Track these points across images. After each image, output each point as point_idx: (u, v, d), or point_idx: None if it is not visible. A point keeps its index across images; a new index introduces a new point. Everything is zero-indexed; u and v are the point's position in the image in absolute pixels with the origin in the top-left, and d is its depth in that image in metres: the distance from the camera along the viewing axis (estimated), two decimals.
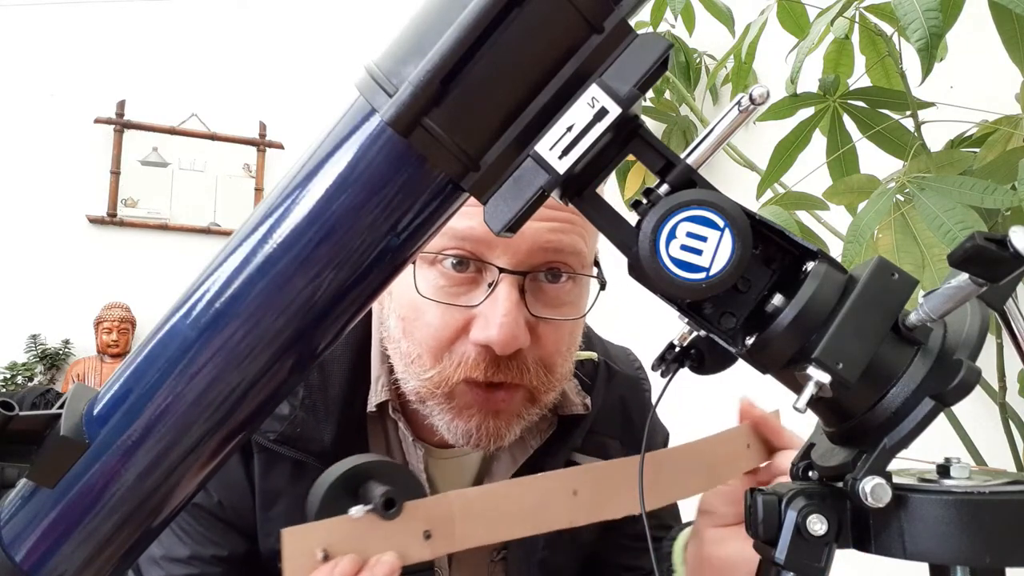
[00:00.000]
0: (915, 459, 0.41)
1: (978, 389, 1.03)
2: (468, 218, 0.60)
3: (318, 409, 0.70)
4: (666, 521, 0.83)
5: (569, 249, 0.64)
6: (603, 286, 0.69)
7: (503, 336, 0.61)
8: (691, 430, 0.87)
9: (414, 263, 0.63)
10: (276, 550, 0.71)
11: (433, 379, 0.65)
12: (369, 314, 0.76)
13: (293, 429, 0.69)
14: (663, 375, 0.47)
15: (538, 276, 0.64)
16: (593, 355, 0.81)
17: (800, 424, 0.47)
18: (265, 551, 0.73)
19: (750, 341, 0.39)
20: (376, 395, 0.72)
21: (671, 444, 0.90)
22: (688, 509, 0.66)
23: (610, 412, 0.80)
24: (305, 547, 0.48)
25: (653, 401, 0.86)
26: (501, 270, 0.62)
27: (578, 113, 0.36)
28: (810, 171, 1.37)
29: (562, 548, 0.78)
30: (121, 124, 3.26)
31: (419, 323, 0.65)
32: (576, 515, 0.56)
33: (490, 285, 0.63)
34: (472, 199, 0.39)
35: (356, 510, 0.49)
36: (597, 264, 0.70)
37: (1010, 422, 1.40)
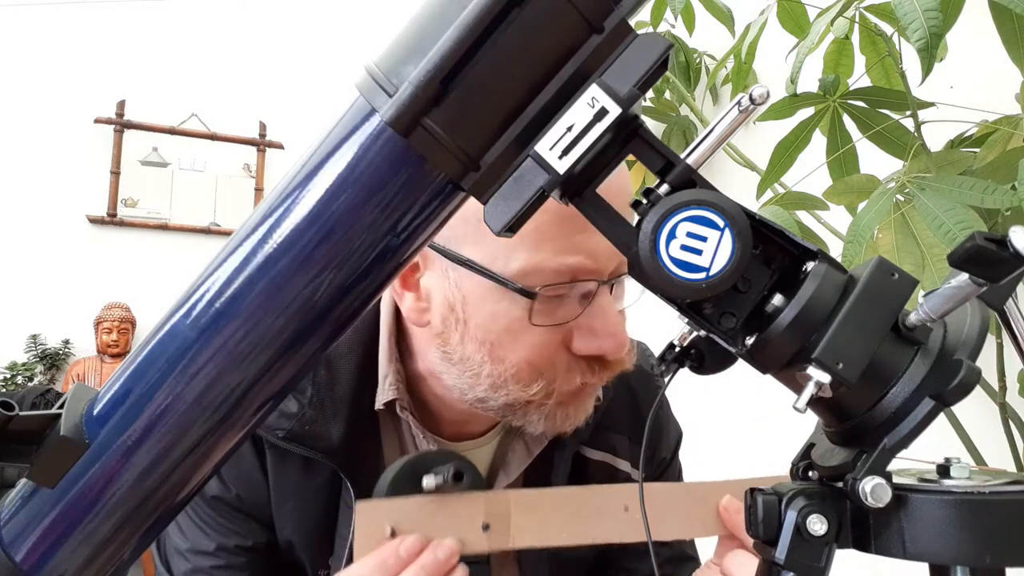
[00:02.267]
0: (915, 459, 0.41)
1: (978, 389, 1.03)
2: (577, 253, 0.60)
3: (326, 407, 0.71)
4: (685, 552, 0.83)
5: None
6: None
7: (616, 343, 0.63)
8: (699, 426, 0.87)
9: (531, 296, 0.62)
10: (291, 540, 0.73)
11: (539, 393, 0.65)
12: (377, 313, 0.76)
13: (302, 427, 0.70)
14: (663, 375, 0.47)
15: (619, 279, 0.65)
16: None
17: (800, 424, 0.47)
18: (282, 542, 0.74)
19: (750, 341, 0.39)
20: (383, 393, 0.72)
21: (682, 443, 0.91)
22: None
23: (619, 406, 0.81)
24: (376, 522, 0.51)
25: (662, 400, 0.87)
26: (599, 283, 0.62)
27: (578, 113, 0.36)
28: (810, 171, 1.37)
29: None
30: (121, 124, 3.26)
31: (516, 344, 0.64)
32: (625, 532, 0.58)
33: (584, 296, 0.63)
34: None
35: (428, 480, 0.52)
36: None
37: (1010, 422, 1.40)
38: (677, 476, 0.90)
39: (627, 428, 0.81)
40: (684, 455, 0.90)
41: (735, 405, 1.96)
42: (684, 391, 0.89)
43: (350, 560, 0.54)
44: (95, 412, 0.42)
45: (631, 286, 0.71)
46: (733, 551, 0.61)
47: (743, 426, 2.09)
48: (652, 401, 0.84)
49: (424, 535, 0.51)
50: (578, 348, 0.63)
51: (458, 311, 0.65)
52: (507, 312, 0.63)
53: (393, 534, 0.51)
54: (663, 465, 0.86)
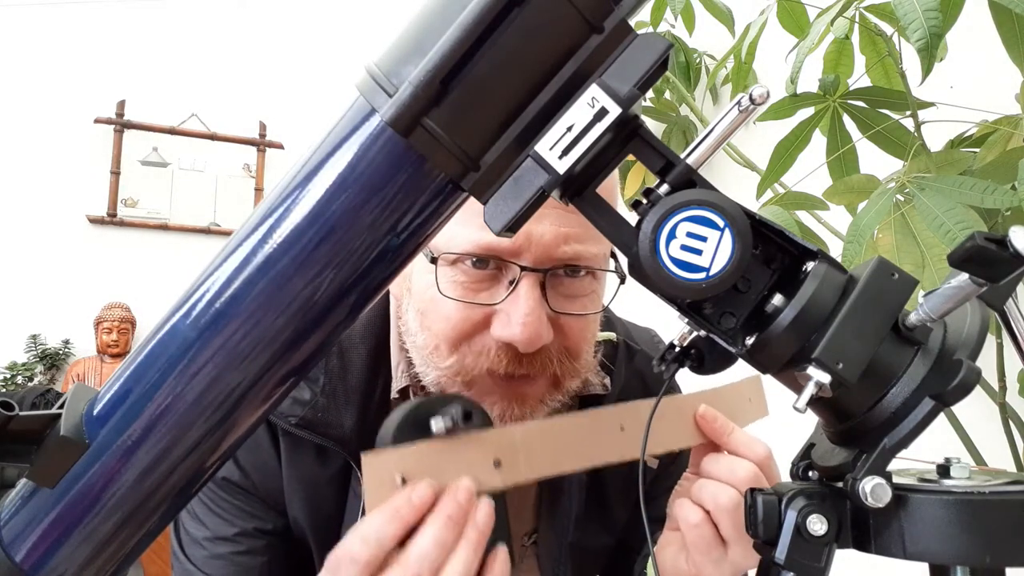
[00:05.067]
0: (915, 459, 0.41)
1: (978, 389, 1.03)
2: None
3: (338, 395, 0.71)
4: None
5: (585, 257, 0.65)
6: (623, 280, 0.69)
7: (527, 335, 0.62)
8: None
9: (435, 261, 0.64)
10: (303, 529, 0.73)
11: (452, 368, 0.65)
12: (387, 302, 0.77)
13: (314, 414, 0.70)
14: (663, 375, 0.47)
15: (557, 271, 0.64)
16: (612, 336, 0.82)
17: (800, 424, 0.47)
18: (296, 530, 0.74)
19: (750, 341, 0.39)
20: (397, 381, 0.73)
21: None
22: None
23: (631, 393, 0.80)
24: (385, 473, 0.50)
25: (671, 386, 0.87)
26: (522, 268, 0.62)
27: (578, 113, 0.36)
28: (810, 171, 1.36)
29: (593, 531, 0.78)
30: (121, 124, 3.26)
31: (437, 316, 0.65)
32: (624, 450, 0.58)
33: (511, 283, 0.63)
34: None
35: (436, 423, 0.51)
36: (615, 256, 0.70)
37: (1010, 422, 1.40)
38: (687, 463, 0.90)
39: None
40: None
41: None
42: (685, 389, 0.89)
43: None
44: (95, 412, 0.42)
45: (609, 289, 0.71)
46: (708, 455, 0.61)
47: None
48: (661, 386, 0.84)
49: (436, 480, 0.50)
50: (493, 332, 0.64)
51: (408, 279, 0.70)
52: (428, 280, 0.65)
53: (404, 483, 0.50)
54: (674, 453, 0.86)
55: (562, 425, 0.58)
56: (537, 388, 0.67)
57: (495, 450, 0.53)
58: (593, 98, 0.36)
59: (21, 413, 0.40)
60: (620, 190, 2.09)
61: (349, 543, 0.49)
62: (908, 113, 1.25)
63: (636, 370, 0.83)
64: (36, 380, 3.02)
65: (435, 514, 0.49)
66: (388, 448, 0.51)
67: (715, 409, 0.62)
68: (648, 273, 0.37)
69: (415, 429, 0.52)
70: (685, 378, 0.52)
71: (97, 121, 3.23)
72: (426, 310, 0.67)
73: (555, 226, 0.62)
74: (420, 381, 0.71)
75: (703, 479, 0.60)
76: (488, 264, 0.64)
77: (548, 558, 0.76)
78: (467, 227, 0.62)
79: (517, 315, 0.62)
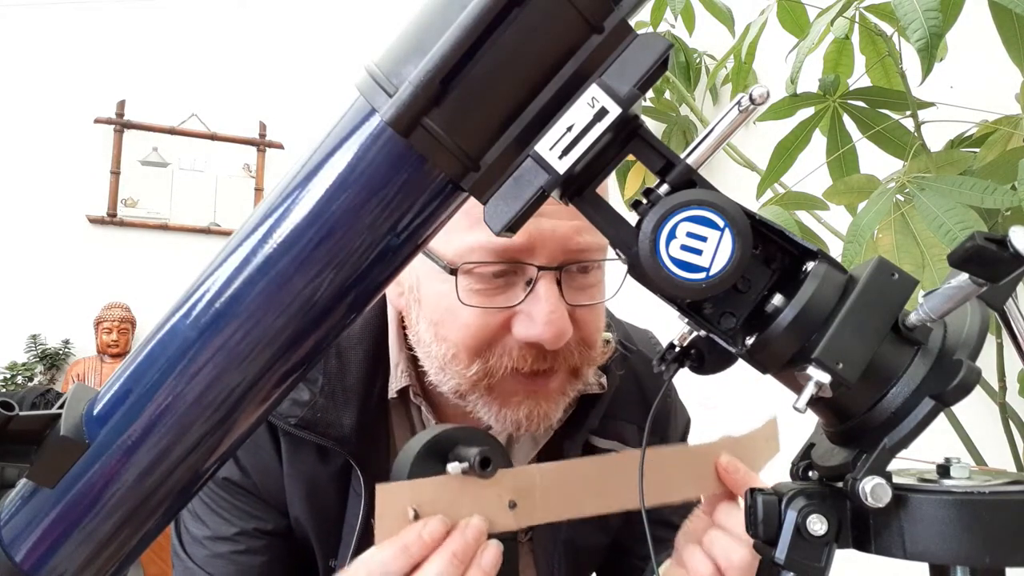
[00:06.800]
0: (915, 459, 0.41)
1: (978, 389, 1.03)
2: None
3: (337, 395, 0.72)
4: (671, 519, 0.83)
5: (595, 247, 0.66)
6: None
7: (553, 332, 0.63)
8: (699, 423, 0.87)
9: (455, 273, 0.64)
10: (304, 528, 0.73)
11: (477, 374, 0.66)
12: (384, 302, 0.77)
13: (313, 414, 0.70)
14: (664, 376, 0.47)
15: (571, 268, 0.66)
16: (608, 335, 0.82)
17: (800, 424, 0.47)
18: (297, 531, 0.74)
19: (750, 341, 0.39)
20: (396, 381, 0.74)
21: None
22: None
23: (627, 394, 0.81)
24: (398, 505, 0.49)
25: (669, 386, 0.87)
26: (540, 268, 0.63)
27: (578, 113, 0.36)
28: (810, 171, 1.36)
29: (587, 530, 0.78)
30: (121, 124, 3.26)
31: (455, 325, 0.66)
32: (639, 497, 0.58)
33: (528, 283, 0.64)
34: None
35: (453, 467, 0.50)
36: None
37: (1010, 422, 1.40)
38: None
39: (635, 417, 0.81)
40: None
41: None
42: (684, 387, 0.89)
43: (359, 550, 0.53)
44: (95, 412, 0.42)
45: (611, 281, 0.71)
46: (727, 503, 0.61)
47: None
48: (659, 389, 0.84)
49: (450, 516, 0.50)
50: (516, 333, 0.64)
51: (415, 291, 0.70)
52: (448, 291, 0.65)
53: (416, 517, 0.49)
54: None
55: (580, 468, 0.58)
56: (558, 381, 0.68)
57: (511, 491, 0.53)
58: (593, 98, 0.36)
59: (21, 413, 0.40)
60: (620, 190, 2.10)
61: (354, 574, 0.49)
62: (908, 113, 1.25)
63: (634, 374, 0.83)
64: (36, 380, 3.02)
65: (441, 550, 0.49)
66: (403, 480, 0.50)
67: (736, 458, 0.61)
68: (648, 273, 0.37)
69: (435, 459, 0.52)
70: (684, 378, 0.52)
71: (97, 121, 3.23)
72: (441, 320, 0.67)
73: (565, 220, 0.63)
74: (421, 382, 0.71)
75: (717, 530, 0.60)
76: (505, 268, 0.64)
77: (543, 555, 0.77)
78: (481, 235, 0.62)
79: (541, 314, 0.63)
